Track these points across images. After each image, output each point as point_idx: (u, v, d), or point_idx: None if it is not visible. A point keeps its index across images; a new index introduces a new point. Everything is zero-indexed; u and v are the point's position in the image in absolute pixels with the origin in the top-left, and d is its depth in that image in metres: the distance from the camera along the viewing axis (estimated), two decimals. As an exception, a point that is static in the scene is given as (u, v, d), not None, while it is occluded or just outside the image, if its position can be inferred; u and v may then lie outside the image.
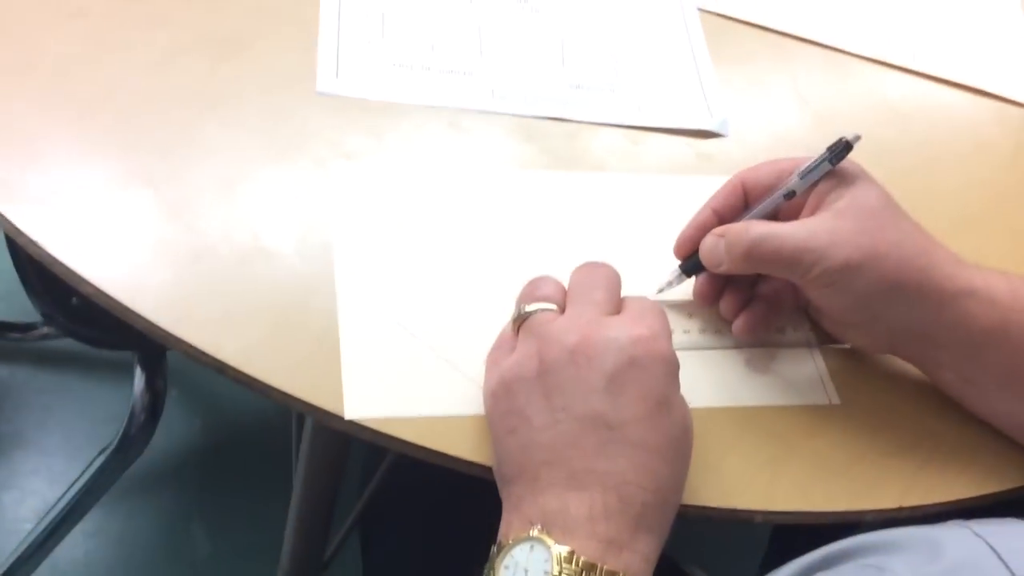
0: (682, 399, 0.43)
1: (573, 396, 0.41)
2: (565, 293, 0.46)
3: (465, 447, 0.45)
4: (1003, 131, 0.68)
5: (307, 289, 0.47)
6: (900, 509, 0.48)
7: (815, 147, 0.62)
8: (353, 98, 0.56)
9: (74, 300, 0.77)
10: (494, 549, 0.40)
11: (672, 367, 0.42)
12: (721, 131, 0.61)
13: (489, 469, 0.44)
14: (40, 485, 1.14)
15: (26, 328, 1.19)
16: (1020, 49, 0.75)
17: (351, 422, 0.44)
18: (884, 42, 0.71)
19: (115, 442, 0.85)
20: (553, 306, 0.45)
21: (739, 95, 0.64)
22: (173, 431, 1.18)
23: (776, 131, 0.63)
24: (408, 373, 0.46)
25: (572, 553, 0.37)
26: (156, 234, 0.48)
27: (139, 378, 0.83)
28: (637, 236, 0.54)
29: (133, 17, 0.56)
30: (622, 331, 0.42)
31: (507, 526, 0.40)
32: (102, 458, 0.86)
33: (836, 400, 0.51)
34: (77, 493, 0.87)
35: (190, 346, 0.45)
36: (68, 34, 0.54)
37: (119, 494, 1.05)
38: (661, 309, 0.45)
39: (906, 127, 0.66)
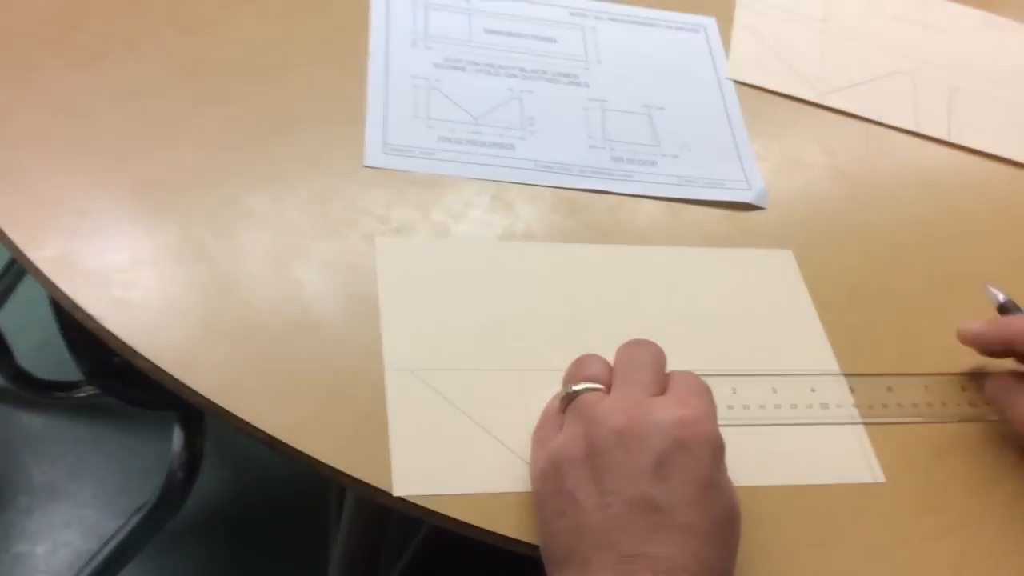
0: (729, 481, 0.43)
1: (621, 479, 0.41)
2: (611, 371, 0.46)
3: (511, 525, 0.45)
4: (1041, 205, 0.69)
5: (355, 364, 0.48)
6: (948, 590, 0.48)
7: (854, 219, 0.63)
8: (400, 171, 0.57)
9: (116, 359, 0.78)
10: None
11: (718, 449, 0.43)
12: (759, 203, 0.62)
13: (533, 547, 0.44)
14: (73, 537, 1.15)
15: (69, 387, 1.21)
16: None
17: (400, 499, 0.44)
18: (920, 114, 0.72)
19: (153, 500, 0.86)
20: (600, 386, 0.45)
21: (777, 167, 0.65)
22: (207, 485, 1.18)
23: (814, 204, 0.64)
24: (456, 449, 0.46)
25: None
26: (208, 307, 0.48)
27: (178, 437, 0.84)
28: (679, 309, 0.55)
29: (187, 93, 0.57)
30: (668, 413, 0.42)
31: None
32: (139, 515, 0.87)
33: (881, 478, 0.50)
34: (114, 551, 0.87)
35: (240, 420, 0.45)
36: (124, 109, 0.56)
37: (150, 548, 1.06)
38: (706, 387, 0.45)
39: (943, 200, 0.67)
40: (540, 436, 0.46)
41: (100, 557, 0.90)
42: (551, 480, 0.43)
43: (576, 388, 0.45)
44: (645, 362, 0.46)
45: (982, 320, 0.54)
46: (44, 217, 0.50)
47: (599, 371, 0.46)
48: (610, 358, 0.49)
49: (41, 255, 0.48)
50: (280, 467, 1.24)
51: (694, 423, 0.42)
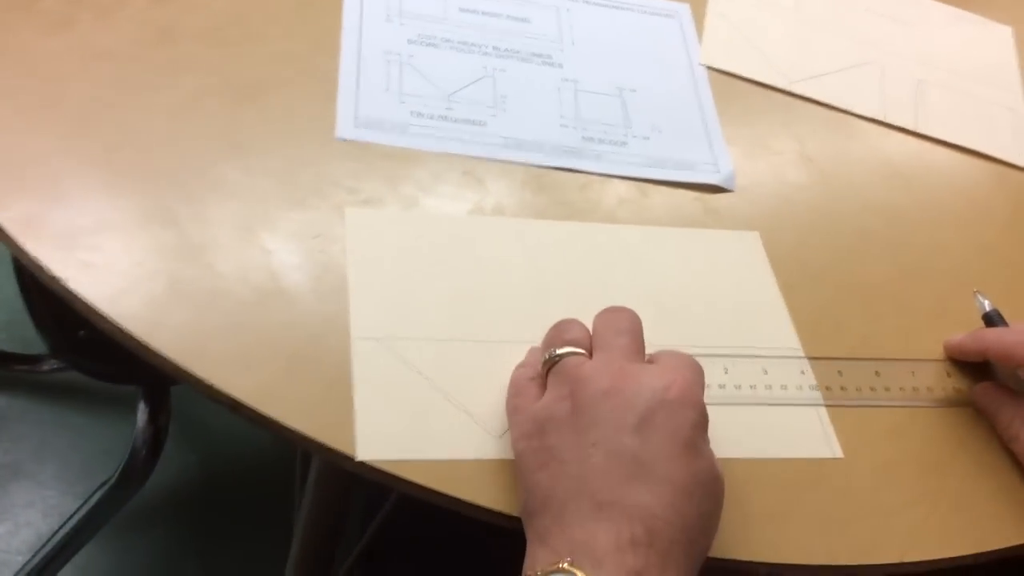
0: (711, 451, 0.44)
1: (605, 431, 0.42)
2: (590, 336, 0.47)
3: (473, 491, 0.45)
4: (1002, 193, 0.70)
5: (322, 331, 0.48)
6: (901, 564, 0.48)
7: (820, 205, 0.64)
8: (371, 145, 0.57)
9: (82, 333, 0.77)
10: None
11: (701, 416, 0.43)
12: (727, 186, 0.63)
13: (496, 514, 0.45)
14: (35, 517, 1.14)
15: (33, 360, 1.20)
16: (1018, 113, 0.76)
17: (362, 463, 0.44)
18: (887, 104, 0.73)
19: (115, 476, 0.85)
20: (582, 350, 0.46)
21: (746, 152, 0.66)
22: (170, 466, 1.18)
23: (781, 190, 0.64)
24: (419, 416, 0.46)
25: None
26: (174, 273, 0.48)
27: (143, 412, 0.83)
28: (645, 286, 0.55)
29: (158, 61, 0.57)
30: (654, 379, 0.43)
31: (532, 559, 0.40)
32: (101, 492, 0.86)
33: (839, 454, 0.51)
34: (73, 527, 0.87)
35: (205, 383, 0.45)
36: (94, 75, 0.55)
37: (113, 529, 1.05)
38: (695, 363, 0.46)
39: (908, 188, 0.68)
40: (516, 404, 0.46)
41: (61, 533, 0.89)
42: (534, 438, 0.43)
43: (560, 352, 0.46)
44: (624, 327, 0.47)
45: (963, 333, 0.57)
46: (10, 179, 0.49)
47: (579, 335, 0.47)
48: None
49: (6, 216, 0.48)
50: (247, 450, 1.24)
51: (681, 387, 0.43)
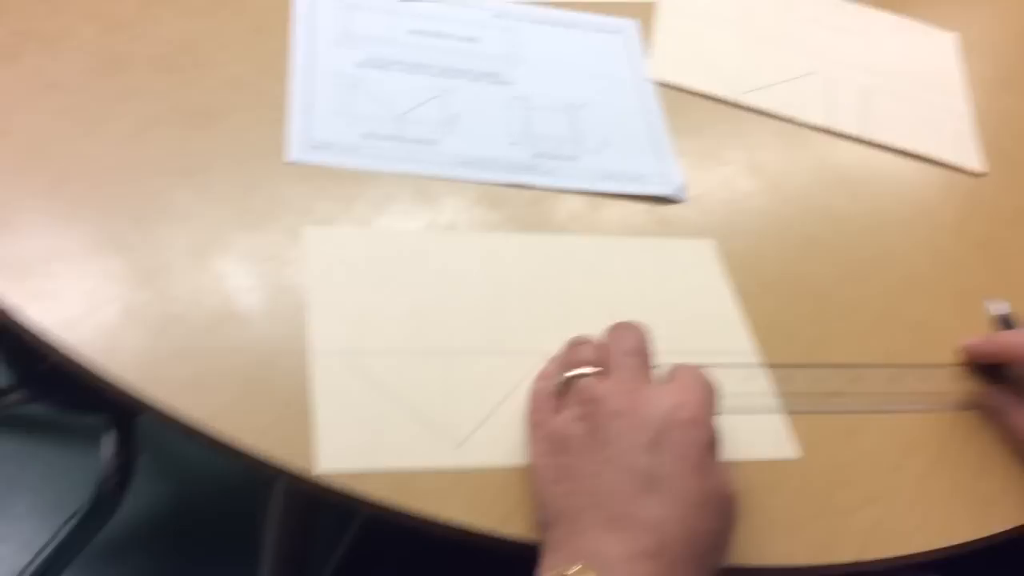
0: (724, 469, 0.45)
1: (619, 449, 0.43)
2: (601, 353, 0.48)
3: (435, 505, 0.45)
4: (948, 197, 0.71)
5: (277, 353, 0.48)
6: (858, 564, 0.49)
7: (770, 212, 0.65)
8: (323, 167, 0.58)
9: (45, 364, 0.77)
10: None
11: (712, 436, 0.45)
12: (678, 197, 0.63)
13: (456, 529, 0.45)
14: (8, 552, 1.13)
15: (-1, 392, 1.19)
16: (962, 118, 0.78)
17: (319, 479, 0.44)
18: (832, 112, 0.74)
19: (86, 506, 0.85)
20: (595, 370, 0.47)
21: (695, 164, 0.67)
22: (142, 496, 1.17)
23: (731, 198, 0.65)
24: (380, 429, 0.47)
25: None
26: (127, 300, 0.48)
27: (109, 442, 0.83)
28: (601, 296, 0.56)
29: (107, 89, 0.57)
30: (667, 399, 0.45)
31: (545, 565, 0.42)
32: (73, 522, 0.86)
33: (796, 455, 0.52)
34: (47, 559, 0.86)
35: (158, 409, 0.45)
36: (42, 106, 0.55)
37: (87, 559, 1.04)
38: (708, 382, 0.47)
39: (855, 194, 0.69)
40: (536, 419, 0.48)
41: (33, 566, 0.88)
42: (551, 455, 0.45)
43: (575, 373, 0.47)
44: (631, 347, 0.48)
45: (979, 335, 0.58)
46: (-41, 211, 0.50)
47: (592, 355, 0.48)
48: (535, 341, 0.52)
49: (-45, 248, 0.48)
50: (218, 476, 1.23)
51: (691, 410, 0.44)
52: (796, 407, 0.54)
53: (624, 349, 0.48)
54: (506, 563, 0.44)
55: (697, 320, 0.57)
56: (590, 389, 0.46)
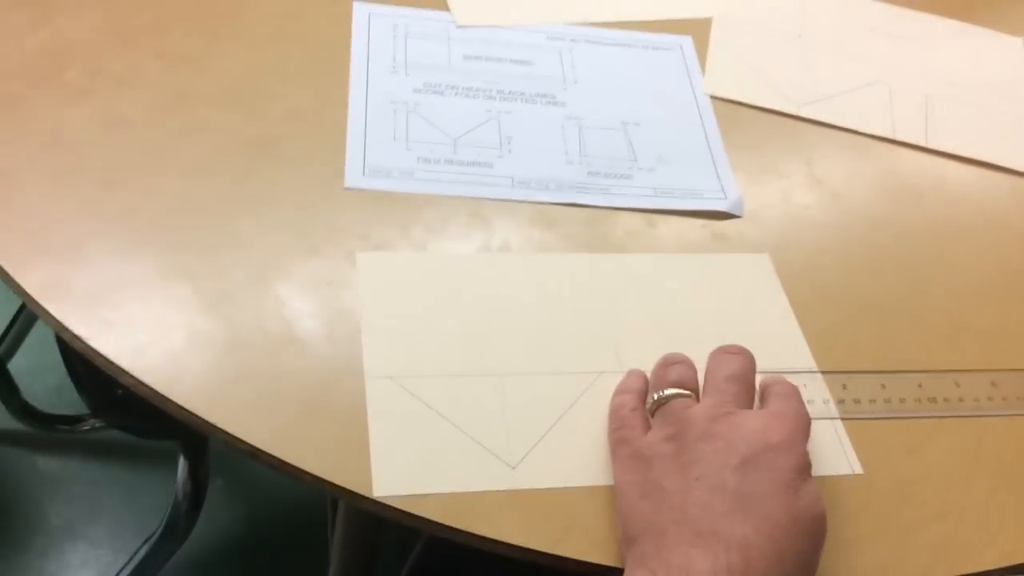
0: (814, 494, 0.44)
1: (708, 468, 0.43)
2: (696, 375, 0.49)
3: (491, 525, 0.46)
4: (1015, 204, 0.70)
5: (336, 376, 0.49)
6: (926, 582, 0.48)
7: (831, 224, 0.64)
8: (379, 192, 0.59)
9: (119, 392, 0.80)
10: None
11: (802, 461, 0.45)
12: (736, 211, 0.63)
13: (511, 547, 0.45)
14: (89, 576, 1.16)
15: (74, 420, 1.23)
16: (1032, 123, 0.76)
17: (378, 501, 0.45)
18: (896, 122, 0.73)
19: (159, 531, 0.87)
20: (688, 392, 0.47)
21: (753, 178, 0.66)
22: (216, 520, 1.19)
23: (791, 211, 0.65)
24: (435, 452, 0.47)
25: None
26: (193, 326, 0.50)
27: (182, 467, 0.85)
28: (657, 313, 0.56)
29: (174, 123, 0.60)
30: (758, 425, 0.45)
31: None
32: (146, 547, 0.88)
33: (859, 470, 0.51)
34: (123, 583, 0.89)
35: (223, 432, 0.47)
36: (113, 139, 0.58)
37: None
38: (803, 412, 0.47)
39: (920, 203, 0.68)
40: (622, 436, 0.48)
41: (110, 590, 0.91)
42: (639, 470, 0.45)
43: (667, 393, 0.47)
44: (735, 372, 0.48)
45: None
46: (34, 244, 0.52)
47: (684, 375, 0.49)
48: (590, 361, 0.52)
49: (30, 280, 0.50)
50: (287, 499, 1.26)
51: (781, 436, 0.44)
52: (859, 414, 0.53)
53: (726, 374, 0.48)
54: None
55: (756, 336, 0.56)
56: (682, 411, 0.46)
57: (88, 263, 0.52)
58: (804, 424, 0.47)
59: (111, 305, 0.50)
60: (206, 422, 0.47)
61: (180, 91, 0.61)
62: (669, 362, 0.50)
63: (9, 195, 0.54)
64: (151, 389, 0.47)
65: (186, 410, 0.47)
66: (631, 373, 0.51)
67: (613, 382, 0.51)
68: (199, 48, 0.65)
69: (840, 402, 0.53)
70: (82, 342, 0.48)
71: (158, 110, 0.60)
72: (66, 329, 0.49)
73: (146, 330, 0.49)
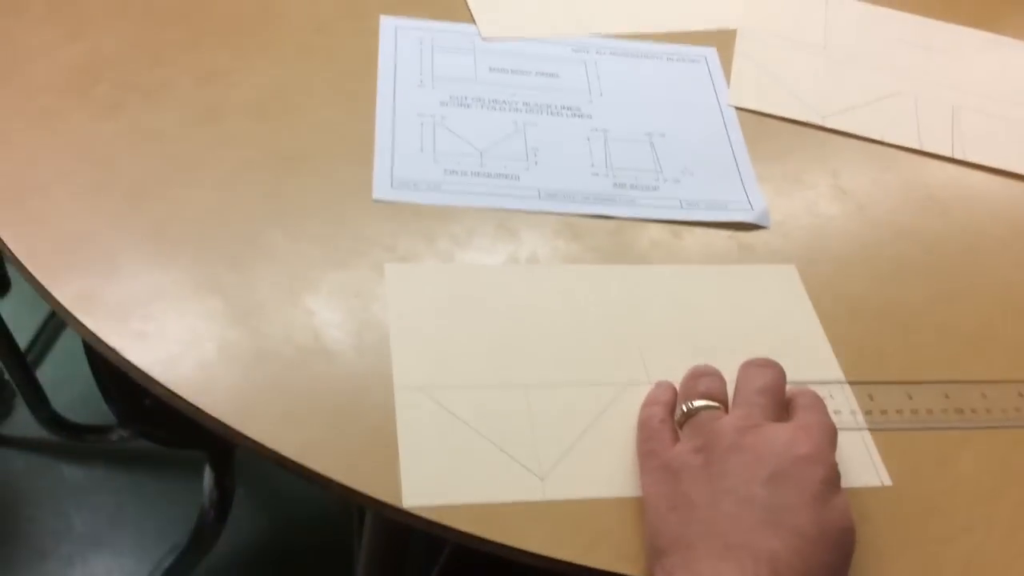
0: (844, 507, 0.44)
1: (737, 481, 0.43)
2: (725, 387, 0.49)
3: (520, 535, 0.46)
4: (1044, 214, 0.69)
5: (365, 387, 0.50)
6: (956, 595, 0.48)
7: (857, 235, 0.64)
8: (407, 204, 0.59)
9: (147, 402, 0.80)
10: None
11: (831, 472, 0.45)
12: (762, 223, 0.63)
13: (540, 557, 0.45)
14: (114, 585, 1.17)
15: (102, 431, 1.24)
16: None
17: (407, 511, 0.45)
18: (923, 132, 0.73)
19: (186, 540, 0.88)
20: (718, 404, 0.48)
21: (778, 189, 0.66)
22: (241, 528, 1.20)
23: (817, 221, 0.65)
24: (464, 462, 0.48)
25: None
26: (223, 337, 0.51)
27: (208, 477, 0.86)
28: (684, 324, 0.56)
29: (204, 137, 0.60)
30: (786, 436, 0.45)
31: None
32: (172, 556, 0.89)
33: (888, 482, 0.51)
34: (149, 592, 0.89)
35: (253, 441, 0.47)
36: (144, 153, 0.58)
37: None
38: (829, 423, 0.47)
39: (947, 215, 0.67)
40: (651, 448, 0.48)
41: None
42: (667, 482, 0.45)
43: (696, 405, 0.47)
44: (765, 385, 0.48)
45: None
46: (67, 257, 0.52)
47: (714, 387, 0.49)
48: (617, 372, 0.52)
49: (64, 293, 0.51)
50: (314, 508, 1.26)
51: (809, 448, 0.44)
52: (887, 425, 0.53)
53: (757, 387, 0.48)
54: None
55: (782, 346, 0.56)
56: (711, 422, 0.46)
57: (120, 275, 0.52)
58: (831, 435, 0.46)
59: (143, 317, 0.51)
60: (237, 432, 0.47)
61: (210, 105, 0.62)
62: (698, 374, 0.50)
63: (42, 209, 0.55)
64: (183, 400, 0.48)
65: (218, 420, 0.48)
66: (660, 385, 0.51)
67: (641, 393, 0.51)
68: (229, 63, 0.65)
69: (867, 413, 0.53)
70: (116, 353, 0.49)
71: (188, 124, 0.61)
72: (100, 341, 0.49)
73: (178, 341, 0.50)
